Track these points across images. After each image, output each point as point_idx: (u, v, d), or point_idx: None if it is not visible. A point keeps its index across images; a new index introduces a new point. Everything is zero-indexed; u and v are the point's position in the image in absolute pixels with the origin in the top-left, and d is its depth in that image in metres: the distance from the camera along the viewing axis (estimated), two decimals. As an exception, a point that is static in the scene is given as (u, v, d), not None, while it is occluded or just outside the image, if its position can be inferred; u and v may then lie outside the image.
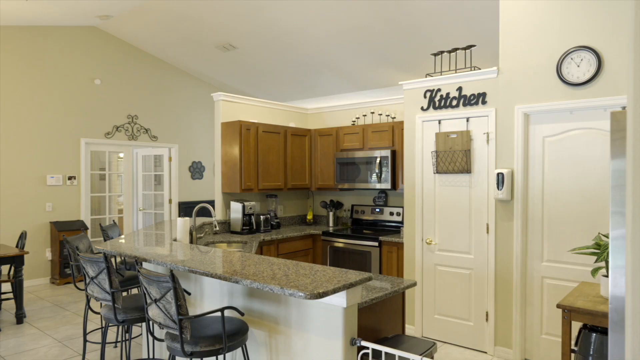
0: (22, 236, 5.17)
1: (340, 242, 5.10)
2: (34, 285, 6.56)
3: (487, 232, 3.96)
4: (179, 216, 8.27)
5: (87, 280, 2.87)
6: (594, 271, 2.57)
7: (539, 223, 3.70)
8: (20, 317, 4.84)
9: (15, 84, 6.44)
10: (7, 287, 6.19)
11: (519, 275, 3.75)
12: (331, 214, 5.73)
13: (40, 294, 6.08)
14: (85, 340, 3.48)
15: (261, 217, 5.22)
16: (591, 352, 2.46)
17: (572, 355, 2.63)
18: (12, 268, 5.06)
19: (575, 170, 3.52)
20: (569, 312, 2.55)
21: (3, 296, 5.81)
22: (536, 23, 3.64)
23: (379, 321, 2.60)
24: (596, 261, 2.59)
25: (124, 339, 3.73)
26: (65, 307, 5.49)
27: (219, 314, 2.68)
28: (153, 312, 2.31)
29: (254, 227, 5.12)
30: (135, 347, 4.17)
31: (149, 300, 2.32)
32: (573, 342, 2.70)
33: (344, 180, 5.34)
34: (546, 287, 3.66)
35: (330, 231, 5.25)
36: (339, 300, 2.15)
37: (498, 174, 3.78)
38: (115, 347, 4.20)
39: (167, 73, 8.25)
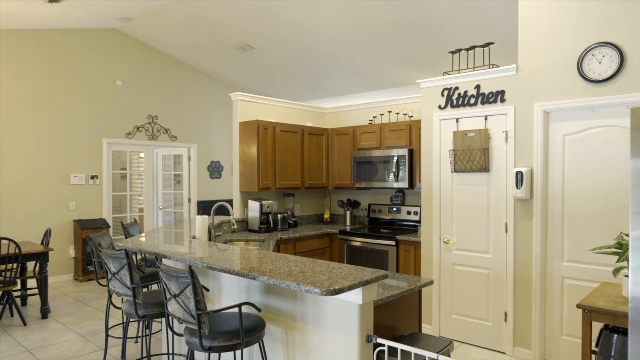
0: (47, 234, 5.32)
1: (357, 241, 5.11)
2: (58, 281, 6.73)
3: (506, 232, 3.91)
4: (198, 215, 8.37)
5: (109, 276, 2.94)
6: (616, 271, 2.53)
7: (559, 222, 3.65)
8: (45, 312, 4.98)
9: (40, 85, 6.62)
10: (32, 283, 6.38)
11: (538, 275, 3.70)
12: (348, 213, 5.73)
13: (64, 290, 6.24)
14: (107, 335, 3.57)
15: (278, 215, 5.26)
16: (612, 354, 2.42)
17: (593, 356, 2.59)
18: (37, 264, 5.20)
19: (597, 169, 3.46)
20: (589, 313, 2.51)
21: (29, 292, 5.98)
22: (556, 19, 3.58)
23: (395, 319, 2.60)
24: (618, 261, 2.55)
25: (144, 334, 3.81)
26: (88, 303, 5.62)
27: (236, 310, 2.71)
28: (172, 307, 2.36)
29: (272, 226, 5.17)
30: (155, 342, 4.25)
31: (168, 296, 2.37)
32: (594, 344, 2.66)
33: (361, 179, 5.34)
34: (566, 288, 3.60)
35: (348, 230, 5.26)
36: (355, 297, 2.16)
37: (517, 173, 3.73)
38: (136, 342, 4.28)
39: (187, 74, 8.37)
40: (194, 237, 3.62)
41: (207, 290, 2.89)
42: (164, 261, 3.40)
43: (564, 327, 3.62)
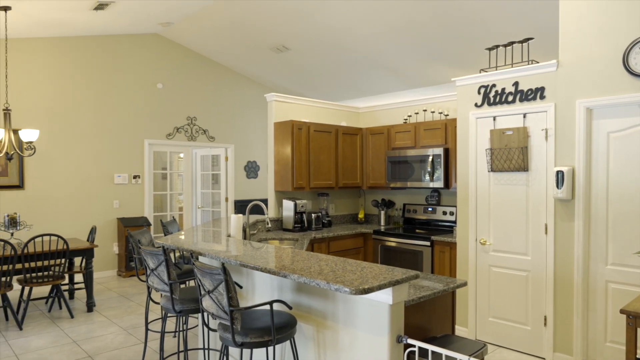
0: (92, 231, 5.57)
1: (391, 241, 5.07)
2: (103, 276, 7.03)
3: (546, 233, 3.78)
4: (234, 214, 8.54)
5: (148, 272, 3.05)
6: (663, 275, 2.40)
7: (602, 224, 3.49)
8: (90, 306, 5.22)
9: (86, 90, 6.93)
10: (79, 277, 6.69)
11: (580, 279, 3.56)
12: (383, 212, 5.70)
13: (108, 285, 6.51)
14: (147, 329, 3.70)
15: (313, 215, 5.29)
16: (659, 362, 2.30)
17: (638, 364, 2.47)
18: (84, 260, 5.45)
19: (644, 168, 3.29)
20: (634, 319, 2.39)
21: (76, 286, 6.28)
22: (599, 11, 3.43)
23: (427, 320, 2.57)
24: (665, 265, 2.41)
25: (181, 329, 3.93)
26: (130, 298, 5.84)
27: (269, 307, 2.75)
28: (206, 303, 2.42)
29: (306, 225, 5.20)
30: (192, 337, 4.37)
31: (203, 292, 2.44)
32: (639, 351, 2.53)
33: (396, 179, 5.29)
34: (611, 292, 3.45)
35: (382, 230, 5.23)
36: (385, 297, 2.15)
37: (557, 172, 3.60)
38: (175, 336, 4.42)
39: (224, 76, 8.55)
40: (229, 236, 3.69)
41: (241, 287, 2.94)
42: (201, 259, 3.50)
43: (608, 333, 3.46)
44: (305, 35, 6.59)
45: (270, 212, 5.32)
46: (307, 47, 7.02)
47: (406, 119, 5.61)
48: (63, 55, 6.72)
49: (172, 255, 5.57)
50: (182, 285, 4.81)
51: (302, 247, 4.21)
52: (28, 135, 5.12)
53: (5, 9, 4.98)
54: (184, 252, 4.31)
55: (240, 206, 8.61)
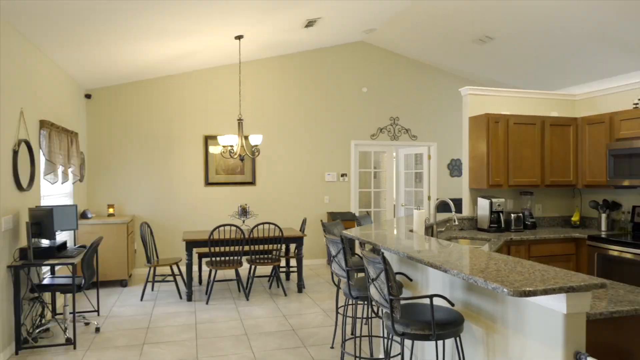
0: (303, 222, 6.32)
1: (613, 250, 4.27)
2: (314, 264, 7.89)
3: None
4: (437, 212, 8.43)
5: (331, 258, 3.34)
6: None
7: None
8: (300, 287, 5.95)
9: (300, 99, 7.89)
10: (293, 263, 7.66)
11: None
12: (604, 215, 4.84)
13: (317, 272, 7.28)
14: (337, 313, 4.05)
15: (512, 215, 4.87)
16: None
17: None
18: (295, 247, 6.24)
19: None
20: None
21: (291, 269, 7.22)
22: None
23: (629, 342, 2.13)
24: None
25: (370, 316, 4.15)
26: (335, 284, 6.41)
27: (437, 302, 2.71)
28: (372, 291, 2.54)
29: (503, 226, 4.82)
30: (377, 324, 4.55)
31: (369, 280, 2.57)
32: None
33: (621, 176, 4.43)
34: None
35: (602, 236, 4.46)
36: (558, 304, 1.89)
37: None
38: (366, 323, 4.68)
39: (425, 73, 8.55)
40: (411, 231, 3.73)
41: (410, 280, 2.96)
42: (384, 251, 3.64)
43: None
44: (509, 23, 6.08)
45: (465, 211, 5.12)
46: (512, 35, 6.45)
47: (637, 104, 4.63)
48: (280, 72, 7.80)
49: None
50: (361, 274, 5.05)
51: (494, 248, 3.94)
52: (255, 139, 6.14)
53: (239, 37, 6.10)
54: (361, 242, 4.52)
55: (444, 205, 8.45)
